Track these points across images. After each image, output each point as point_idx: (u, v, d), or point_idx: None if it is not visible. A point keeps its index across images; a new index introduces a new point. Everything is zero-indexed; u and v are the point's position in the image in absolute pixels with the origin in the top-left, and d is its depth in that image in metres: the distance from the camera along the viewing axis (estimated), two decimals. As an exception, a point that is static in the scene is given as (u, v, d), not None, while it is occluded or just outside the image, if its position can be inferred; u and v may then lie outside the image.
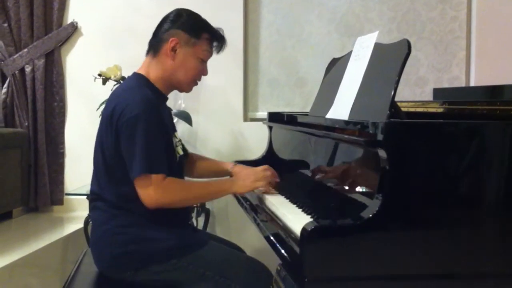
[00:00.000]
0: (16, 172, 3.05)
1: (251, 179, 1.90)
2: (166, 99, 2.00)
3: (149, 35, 1.99)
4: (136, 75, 1.92)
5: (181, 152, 1.97)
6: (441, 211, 1.37)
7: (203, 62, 1.95)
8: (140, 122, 1.70)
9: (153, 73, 1.90)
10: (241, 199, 2.11)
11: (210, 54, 1.97)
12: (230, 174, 2.15)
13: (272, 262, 1.87)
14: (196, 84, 1.99)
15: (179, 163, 1.94)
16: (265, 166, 1.96)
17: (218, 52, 1.99)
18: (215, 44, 1.97)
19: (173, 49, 1.88)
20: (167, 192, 1.74)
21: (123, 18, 3.19)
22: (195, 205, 2.77)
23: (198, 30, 1.91)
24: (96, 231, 1.87)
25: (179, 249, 1.78)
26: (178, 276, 1.76)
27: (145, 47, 1.98)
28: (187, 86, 1.97)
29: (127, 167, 1.73)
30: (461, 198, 1.39)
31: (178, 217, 1.90)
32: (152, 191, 1.71)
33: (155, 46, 1.92)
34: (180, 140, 2.00)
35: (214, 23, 1.99)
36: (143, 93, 1.79)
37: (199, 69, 1.94)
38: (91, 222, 2.04)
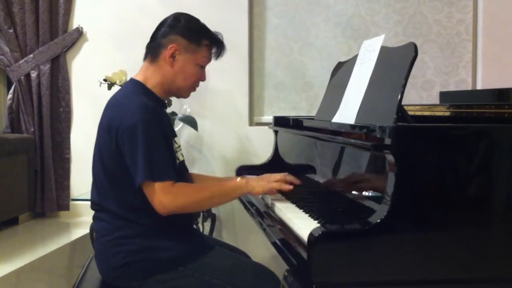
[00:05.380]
0: (22, 178, 3.05)
1: (266, 179, 1.83)
2: (165, 105, 1.96)
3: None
4: (132, 82, 1.89)
5: (181, 158, 1.93)
6: (450, 215, 1.36)
7: (202, 68, 1.92)
8: (140, 128, 1.68)
9: (151, 79, 1.86)
10: (247, 204, 2.11)
11: (209, 60, 1.94)
12: None
13: (279, 268, 1.86)
14: (194, 90, 1.97)
15: (179, 169, 1.89)
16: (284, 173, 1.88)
17: (217, 58, 1.95)
18: (213, 50, 1.93)
19: (172, 56, 1.83)
20: (178, 197, 1.71)
21: (129, 22, 3.20)
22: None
23: (198, 36, 1.87)
24: (99, 242, 1.84)
25: (185, 257, 1.76)
26: (185, 284, 1.75)
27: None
28: (185, 92, 1.94)
29: (132, 175, 1.70)
30: (469, 202, 1.38)
31: (183, 222, 1.87)
32: (163, 197, 1.68)
33: (153, 51, 1.87)
34: (179, 146, 1.96)
35: (219, 26, 1.97)
36: (139, 99, 1.76)
37: (198, 75, 1.91)
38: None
